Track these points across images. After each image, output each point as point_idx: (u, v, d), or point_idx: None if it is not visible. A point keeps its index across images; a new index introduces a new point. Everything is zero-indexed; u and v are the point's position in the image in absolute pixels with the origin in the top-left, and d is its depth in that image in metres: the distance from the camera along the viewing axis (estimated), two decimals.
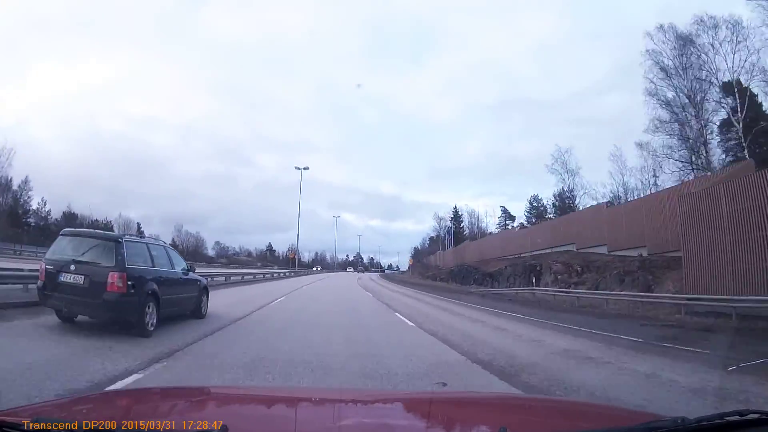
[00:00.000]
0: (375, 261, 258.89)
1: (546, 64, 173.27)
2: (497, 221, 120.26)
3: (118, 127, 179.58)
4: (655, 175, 59.36)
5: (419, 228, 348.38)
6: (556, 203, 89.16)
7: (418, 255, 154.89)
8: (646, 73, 51.62)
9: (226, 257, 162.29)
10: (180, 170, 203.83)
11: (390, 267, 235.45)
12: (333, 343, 14.15)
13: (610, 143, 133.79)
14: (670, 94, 50.68)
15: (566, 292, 39.31)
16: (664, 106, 50.91)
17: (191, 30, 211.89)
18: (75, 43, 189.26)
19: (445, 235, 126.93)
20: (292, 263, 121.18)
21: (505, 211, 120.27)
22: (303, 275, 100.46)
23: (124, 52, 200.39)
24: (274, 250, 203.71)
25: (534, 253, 58.17)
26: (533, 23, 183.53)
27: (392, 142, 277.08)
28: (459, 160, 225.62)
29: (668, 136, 51.41)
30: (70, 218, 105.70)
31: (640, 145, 59.48)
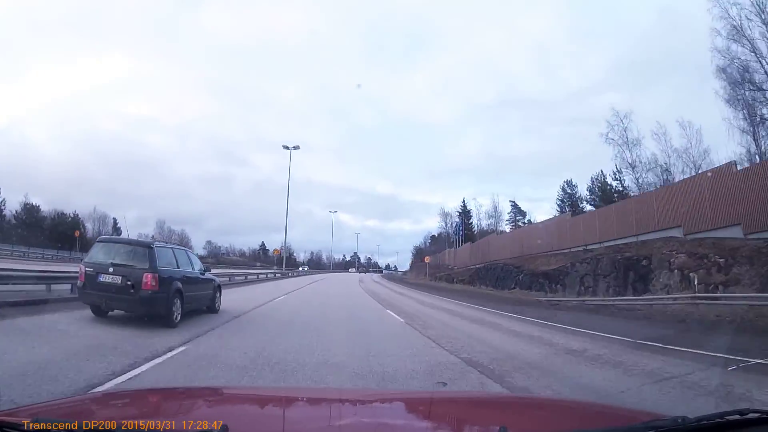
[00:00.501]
0: (372, 261, 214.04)
1: (544, 63, 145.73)
2: (507, 217, 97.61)
3: (114, 127, 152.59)
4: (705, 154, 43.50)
5: (416, 228, 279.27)
6: (596, 188, 67.53)
7: (420, 254, 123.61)
8: (714, 21, 34.21)
9: (215, 257, 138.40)
10: (176, 171, 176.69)
11: (387, 267, 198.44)
12: None
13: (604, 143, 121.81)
14: (747, 47, 33.70)
15: None
16: (737, 67, 33.90)
17: (189, 30, 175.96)
18: (72, 44, 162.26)
19: (454, 231, 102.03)
20: (278, 262, 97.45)
21: (515, 206, 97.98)
22: (292, 276, 78.82)
23: (122, 52, 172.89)
24: (267, 250, 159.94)
25: (608, 244, 36.22)
26: (531, 22, 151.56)
27: (389, 142, 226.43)
28: (456, 160, 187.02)
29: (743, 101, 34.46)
30: (31, 211, 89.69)
31: (682, 125, 45.11)
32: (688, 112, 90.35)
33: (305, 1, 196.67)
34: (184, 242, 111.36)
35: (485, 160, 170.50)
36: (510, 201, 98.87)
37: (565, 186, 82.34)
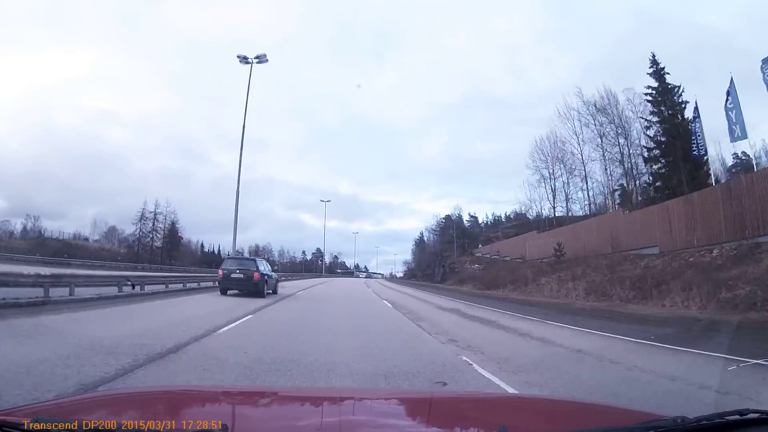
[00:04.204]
0: (339, 260, 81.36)
1: (512, 63, 70.07)
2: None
3: (73, 121, 64.08)
4: None
5: (377, 230, 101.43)
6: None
7: (466, 239, 37.76)
8: None
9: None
10: (135, 166, 74.02)
11: (357, 268, 77.58)
12: None
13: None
14: None
15: None
16: None
17: (152, 24, 70.10)
18: (32, 35, 66.48)
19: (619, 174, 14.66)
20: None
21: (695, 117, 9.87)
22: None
23: (82, 45, 74.37)
24: (182, 238, 42.82)
25: None
26: (500, 22, 72.74)
27: (352, 142, 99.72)
28: (420, 161, 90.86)
29: None
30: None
31: None
32: None
33: None
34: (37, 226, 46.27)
35: (449, 162, 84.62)
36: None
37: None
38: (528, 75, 62.62)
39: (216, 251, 50.57)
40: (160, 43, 71.50)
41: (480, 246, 33.21)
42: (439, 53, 78.72)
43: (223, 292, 11.82)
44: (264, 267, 13.08)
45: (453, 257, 33.15)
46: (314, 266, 61.42)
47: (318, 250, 60.06)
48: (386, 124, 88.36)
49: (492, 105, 68.64)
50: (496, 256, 26.06)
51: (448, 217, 42.71)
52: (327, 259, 69.67)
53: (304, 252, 69.37)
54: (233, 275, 11.63)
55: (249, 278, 11.48)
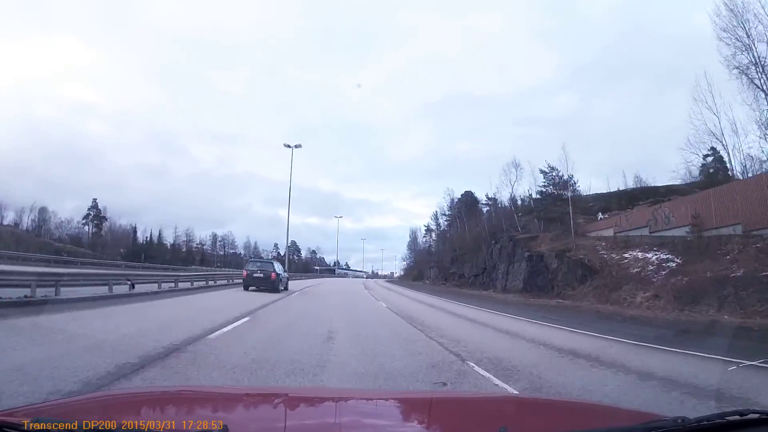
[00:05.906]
0: (318, 256, 58.07)
1: (496, 63, 64.76)
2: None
3: (52, 113, 50.95)
4: None
5: (356, 227, 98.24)
6: None
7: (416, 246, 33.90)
8: None
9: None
10: (113, 160, 54.86)
11: (337, 264, 55.03)
12: None
13: (557, 144, 45.40)
14: None
15: None
16: None
17: (134, 15, 59.72)
18: (11, 25, 52.69)
19: None
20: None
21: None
22: None
23: (61, 36, 59.76)
24: (105, 218, 30.86)
25: None
26: (484, 20, 64.90)
27: (333, 139, 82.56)
28: (400, 159, 78.74)
29: None
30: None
31: None
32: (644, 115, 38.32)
33: None
34: None
35: (430, 160, 73.86)
36: None
37: None
38: (511, 74, 55.13)
39: (157, 240, 36.99)
40: (144, 36, 59.81)
41: (601, 217, 15.50)
42: (421, 52, 68.79)
43: (246, 288, 11.82)
44: (278, 268, 13.21)
45: (564, 241, 13.80)
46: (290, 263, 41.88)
47: (293, 243, 41.23)
48: (368, 121, 75.37)
49: (474, 104, 60.05)
50: (680, 230, 10.55)
51: (468, 194, 25.80)
52: (303, 253, 51.25)
53: (276, 245, 48.10)
54: (255, 275, 11.91)
55: (267, 277, 11.67)
